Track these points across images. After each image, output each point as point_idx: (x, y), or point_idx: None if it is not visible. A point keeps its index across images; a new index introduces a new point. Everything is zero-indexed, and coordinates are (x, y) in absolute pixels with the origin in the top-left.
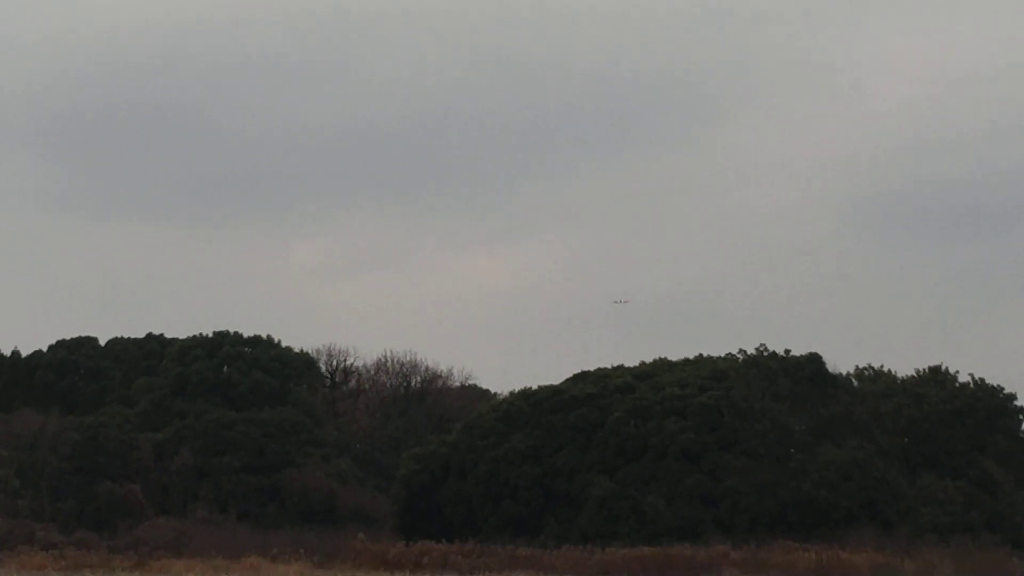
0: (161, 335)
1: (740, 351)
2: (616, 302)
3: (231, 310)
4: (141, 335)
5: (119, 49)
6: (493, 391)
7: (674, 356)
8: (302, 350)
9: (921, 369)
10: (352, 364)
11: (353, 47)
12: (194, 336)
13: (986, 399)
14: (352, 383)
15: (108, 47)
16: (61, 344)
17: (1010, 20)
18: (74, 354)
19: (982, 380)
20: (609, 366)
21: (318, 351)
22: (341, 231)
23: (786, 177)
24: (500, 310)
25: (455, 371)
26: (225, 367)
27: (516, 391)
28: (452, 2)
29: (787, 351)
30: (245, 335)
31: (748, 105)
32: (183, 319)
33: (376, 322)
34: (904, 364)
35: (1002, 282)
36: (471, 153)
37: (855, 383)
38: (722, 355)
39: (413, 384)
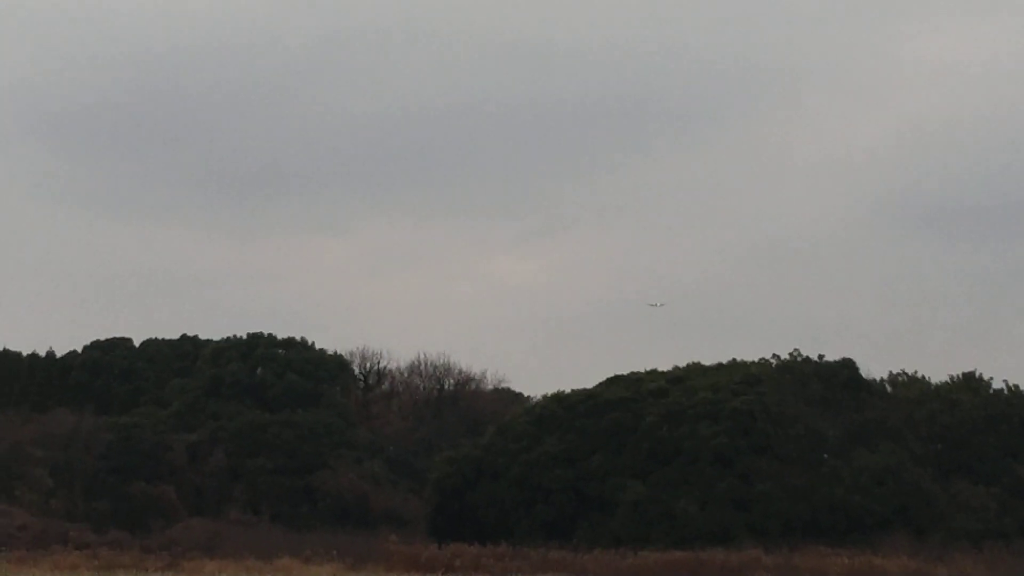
0: (195, 336)
1: (773, 356)
2: (651, 305)
3: (265, 311)
4: (175, 336)
5: (144, 49)
6: (526, 394)
7: (707, 360)
8: (335, 352)
9: (955, 375)
10: (385, 366)
11: (382, 44)
12: (228, 338)
13: (1020, 406)
14: (385, 385)
15: (134, 48)
16: (96, 345)
17: None
18: (108, 355)
19: (1016, 387)
20: (642, 370)
21: (351, 353)
22: (373, 231)
23: (821, 179)
24: (533, 312)
25: (488, 374)
26: (259, 369)
27: (549, 394)
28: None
29: (820, 356)
30: (279, 337)
31: (780, 104)
32: (217, 320)
33: (409, 323)
34: (938, 370)
35: None
36: (504, 152)
37: (889, 389)
38: (755, 360)
39: (446, 387)
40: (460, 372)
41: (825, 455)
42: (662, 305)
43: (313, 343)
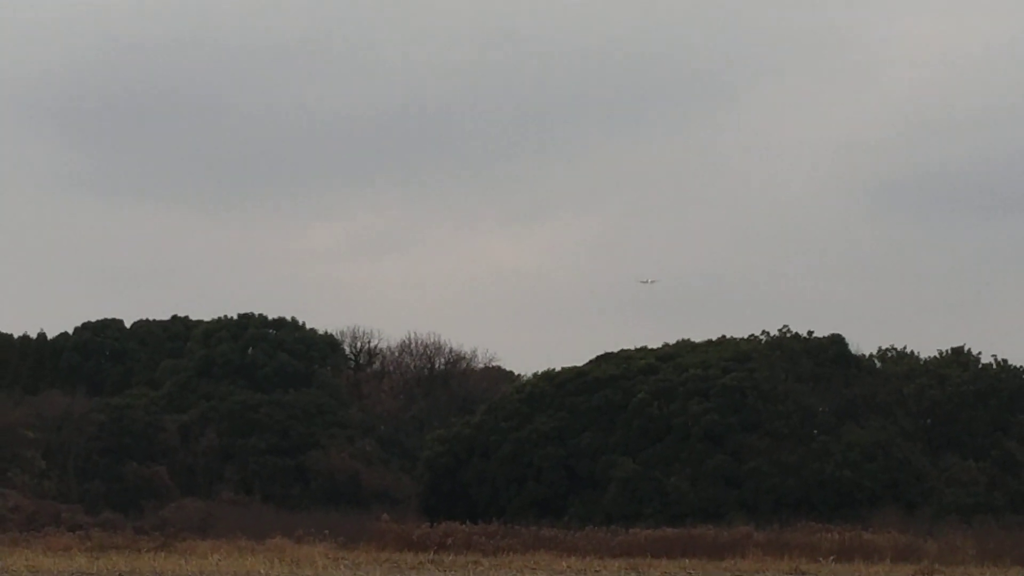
0: (186, 317)
1: (763, 332)
2: (643, 281)
3: (256, 292)
4: (166, 317)
5: (136, 34)
6: (517, 373)
7: (697, 337)
8: (326, 332)
9: (944, 350)
10: (376, 346)
11: (366, 29)
12: (219, 318)
13: (1009, 380)
14: (376, 365)
15: (126, 32)
16: (87, 326)
17: None
18: (100, 336)
19: (1005, 361)
20: (632, 347)
21: (342, 333)
22: (361, 212)
23: (809, 157)
24: (523, 291)
25: (479, 353)
26: (250, 349)
27: (539, 372)
28: None
29: (810, 332)
30: (270, 317)
31: (769, 83)
32: (208, 301)
33: (399, 303)
34: (927, 345)
35: None
36: (491, 132)
37: (878, 364)
38: (745, 336)
39: (437, 366)
40: (451, 351)
41: (815, 431)
42: (654, 282)
43: (304, 323)
